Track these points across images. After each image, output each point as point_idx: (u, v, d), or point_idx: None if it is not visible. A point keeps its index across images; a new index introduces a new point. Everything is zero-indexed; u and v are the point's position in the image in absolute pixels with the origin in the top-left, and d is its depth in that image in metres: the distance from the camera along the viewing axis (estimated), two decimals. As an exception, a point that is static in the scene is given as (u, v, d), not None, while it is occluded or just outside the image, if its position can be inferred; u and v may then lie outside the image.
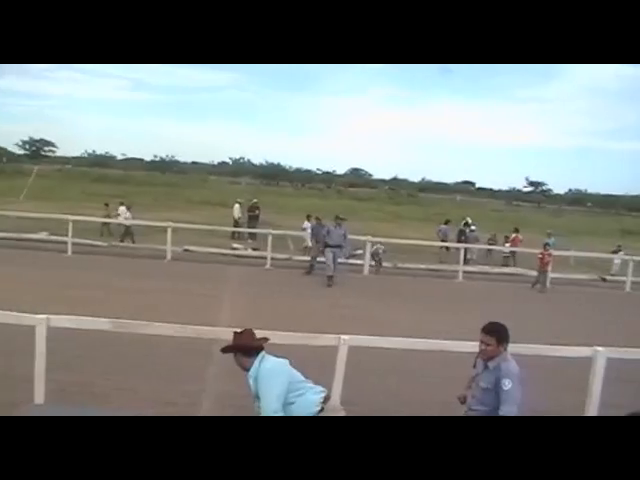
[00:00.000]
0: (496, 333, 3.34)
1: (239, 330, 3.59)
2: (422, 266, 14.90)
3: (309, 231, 16.51)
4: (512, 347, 3.49)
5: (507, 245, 17.72)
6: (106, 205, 17.67)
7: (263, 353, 3.51)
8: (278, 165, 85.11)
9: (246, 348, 3.47)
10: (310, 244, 16.08)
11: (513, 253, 17.12)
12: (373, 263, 13.97)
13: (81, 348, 6.16)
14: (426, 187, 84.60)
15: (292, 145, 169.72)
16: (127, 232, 15.98)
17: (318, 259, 12.63)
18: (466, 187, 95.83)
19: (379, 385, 5.96)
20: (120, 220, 16.55)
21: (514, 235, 18.17)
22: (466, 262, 16.30)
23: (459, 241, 17.21)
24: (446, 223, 18.43)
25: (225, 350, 3.52)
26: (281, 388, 3.27)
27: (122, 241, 15.61)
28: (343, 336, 4.61)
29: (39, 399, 4.25)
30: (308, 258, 14.66)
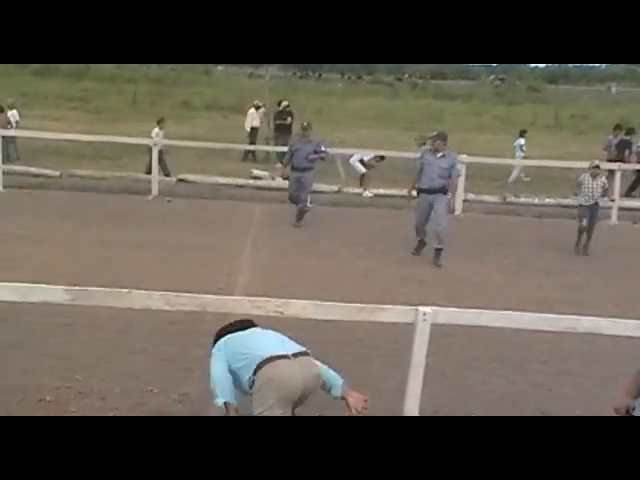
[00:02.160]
0: None
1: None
2: (550, 201, 14.64)
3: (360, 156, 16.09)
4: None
5: None
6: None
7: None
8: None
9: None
10: (364, 170, 15.79)
11: None
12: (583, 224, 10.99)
13: (16, 331, 6.40)
14: (559, 74, 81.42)
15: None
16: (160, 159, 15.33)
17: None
18: (630, 70, 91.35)
19: (480, 385, 5.94)
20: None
21: None
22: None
23: (620, 158, 16.39)
24: (616, 130, 17.35)
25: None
26: (215, 357, 4.35)
27: (147, 172, 15.39)
28: (423, 308, 4.56)
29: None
30: (365, 192, 14.57)
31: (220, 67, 73.15)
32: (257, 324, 4.59)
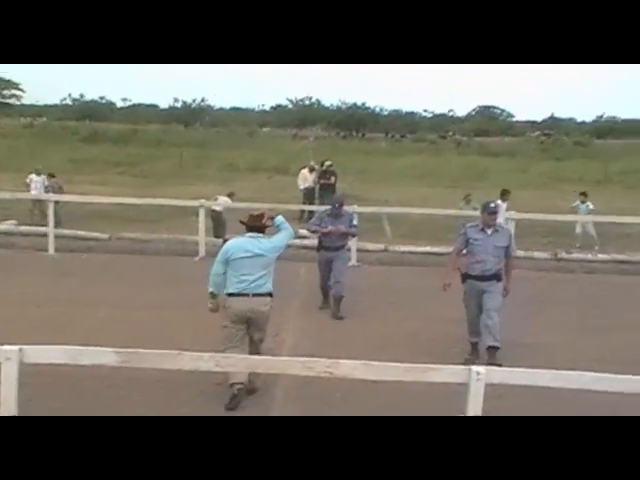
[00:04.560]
0: None
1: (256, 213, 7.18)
2: (604, 256, 14.45)
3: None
4: None
5: None
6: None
7: (252, 234, 6.98)
8: (363, 107, 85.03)
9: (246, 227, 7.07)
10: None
11: None
12: None
13: (68, 396, 6.46)
14: (606, 129, 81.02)
15: (382, 76, 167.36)
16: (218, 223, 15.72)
17: None
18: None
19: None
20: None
21: None
22: None
23: None
24: None
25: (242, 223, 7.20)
26: (218, 259, 6.94)
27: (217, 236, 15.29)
28: (476, 367, 4.50)
29: None
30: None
31: (265, 129, 74.65)
32: (267, 225, 7.13)
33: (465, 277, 8.23)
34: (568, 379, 4.67)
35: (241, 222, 7.24)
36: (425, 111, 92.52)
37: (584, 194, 17.30)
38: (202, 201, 14.64)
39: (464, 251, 8.43)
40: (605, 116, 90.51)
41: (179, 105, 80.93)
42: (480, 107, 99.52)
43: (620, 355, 8.25)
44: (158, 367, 4.74)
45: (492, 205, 8.24)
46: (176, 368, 4.78)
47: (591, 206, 17.04)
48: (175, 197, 17.53)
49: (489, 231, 8.13)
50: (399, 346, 8.46)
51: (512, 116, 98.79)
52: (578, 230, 16.64)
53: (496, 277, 8.13)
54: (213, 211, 15.58)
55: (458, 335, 8.93)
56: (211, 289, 6.96)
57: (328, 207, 10.88)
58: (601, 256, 14.50)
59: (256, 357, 5.04)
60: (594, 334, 9.35)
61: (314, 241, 13.71)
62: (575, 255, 14.49)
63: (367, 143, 60.64)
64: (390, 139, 70.27)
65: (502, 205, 15.06)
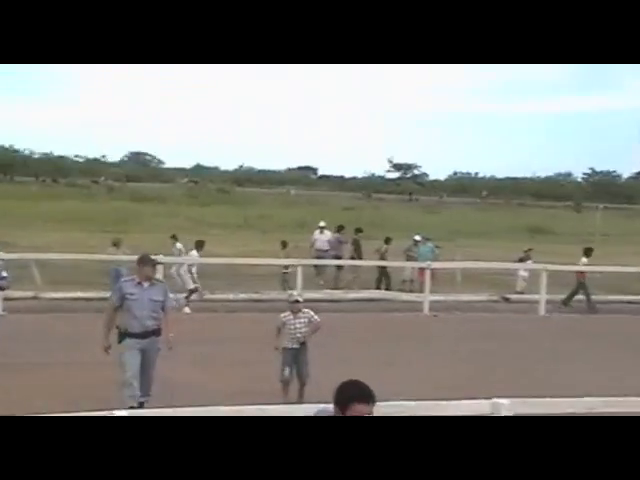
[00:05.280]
0: None
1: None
2: (244, 296, 15.47)
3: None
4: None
5: None
6: None
7: None
8: (10, 149, 79.93)
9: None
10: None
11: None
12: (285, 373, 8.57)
13: None
14: (245, 178, 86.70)
15: (31, 115, 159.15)
16: None
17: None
18: (304, 175, 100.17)
19: None
20: None
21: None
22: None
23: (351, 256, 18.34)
24: (339, 230, 19.06)
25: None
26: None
27: None
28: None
29: None
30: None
31: None
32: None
33: (124, 335, 7.71)
34: (209, 412, 5.06)
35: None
36: (76, 156, 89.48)
37: (174, 237, 16.92)
38: None
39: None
40: (245, 166, 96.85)
41: None
42: (131, 153, 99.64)
43: (255, 386, 8.82)
44: None
45: (152, 257, 8.12)
46: None
47: (179, 246, 16.56)
48: None
49: (145, 284, 7.76)
50: (45, 395, 8.11)
51: (162, 163, 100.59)
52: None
53: (155, 333, 7.80)
54: None
55: (108, 379, 8.82)
56: None
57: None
58: (242, 295, 15.45)
59: None
60: (234, 367, 9.87)
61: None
62: (218, 295, 15.20)
63: (16, 187, 57.07)
64: (41, 183, 66.96)
65: (196, 254, 15.03)
